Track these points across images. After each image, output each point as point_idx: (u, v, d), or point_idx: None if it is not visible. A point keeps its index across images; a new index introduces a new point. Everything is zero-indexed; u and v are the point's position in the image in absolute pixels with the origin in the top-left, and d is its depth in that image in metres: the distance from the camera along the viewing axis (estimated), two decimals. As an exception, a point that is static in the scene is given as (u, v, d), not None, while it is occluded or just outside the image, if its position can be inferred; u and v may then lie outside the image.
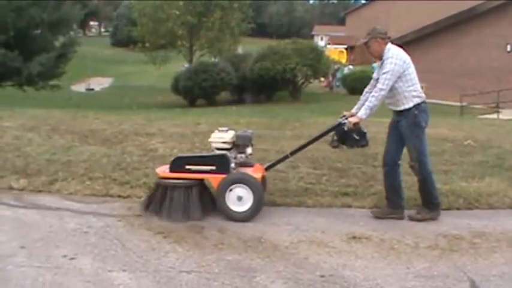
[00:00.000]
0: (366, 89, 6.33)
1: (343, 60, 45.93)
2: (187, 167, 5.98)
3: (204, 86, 29.03)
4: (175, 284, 4.35)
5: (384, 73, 5.83)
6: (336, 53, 48.91)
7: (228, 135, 6.21)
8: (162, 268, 4.64)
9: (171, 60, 43.59)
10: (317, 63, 28.74)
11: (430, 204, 6.12)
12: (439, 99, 26.11)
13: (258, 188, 5.93)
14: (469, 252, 5.12)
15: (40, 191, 7.00)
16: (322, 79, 35.66)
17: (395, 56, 5.84)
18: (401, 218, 6.09)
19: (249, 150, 6.37)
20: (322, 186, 7.14)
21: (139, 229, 5.56)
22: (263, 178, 6.43)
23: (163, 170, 6.12)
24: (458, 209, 6.54)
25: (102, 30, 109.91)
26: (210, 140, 6.29)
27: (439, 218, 6.10)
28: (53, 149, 8.74)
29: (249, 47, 42.06)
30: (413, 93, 5.89)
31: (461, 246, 5.28)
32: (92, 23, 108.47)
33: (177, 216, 5.87)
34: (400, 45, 6.07)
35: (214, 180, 6.00)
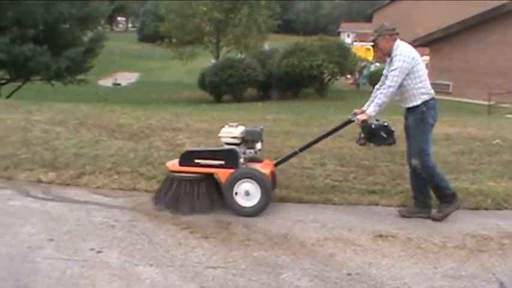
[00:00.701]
0: (377, 86, 6.30)
1: (370, 58, 45.54)
2: (197, 161, 6.02)
3: (231, 82, 29.02)
4: (202, 279, 4.35)
5: (392, 70, 5.80)
6: (362, 50, 48.49)
7: (238, 130, 6.22)
8: (188, 263, 4.65)
9: (198, 56, 43.62)
10: (344, 60, 28.56)
11: (445, 197, 6.03)
12: (467, 98, 25.86)
13: (266, 184, 5.94)
14: (498, 253, 5.06)
15: (68, 185, 7.06)
16: (349, 76, 35.48)
17: (403, 53, 5.80)
18: (429, 217, 6.03)
19: (258, 145, 6.38)
20: (349, 183, 7.11)
21: (166, 224, 5.58)
22: (272, 174, 6.44)
23: (173, 164, 6.17)
24: (486, 209, 6.46)
25: (129, 25, 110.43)
26: (219, 134, 6.31)
27: (467, 218, 6.04)
28: (80, 143, 8.81)
29: (276, 44, 41.97)
30: (421, 90, 5.84)
31: (489, 246, 5.22)
32: (119, 18, 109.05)
33: (184, 209, 5.94)
34: (414, 44, 6.02)
35: (222, 174, 6.03)
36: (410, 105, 5.90)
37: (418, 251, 5.07)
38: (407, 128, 6.09)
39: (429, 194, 6.12)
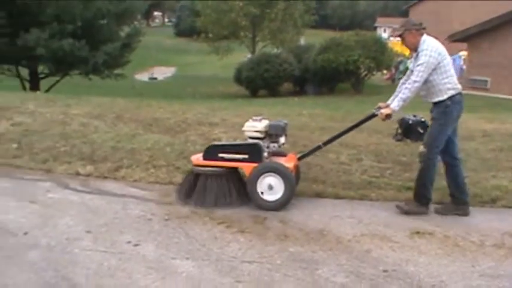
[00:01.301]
0: (402, 80, 6.23)
1: (406, 53, 45.13)
2: (221, 155, 6.05)
3: (267, 77, 29.00)
4: (237, 273, 4.37)
5: (418, 65, 5.74)
6: (398, 45, 47.92)
7: (261, 125, 6.23)
8: (224, 257, 4.67)
9: (234, 50, 43.68)
10: (380, 56, 28.34)
11: (421, 197, 6.01)
12: (505, 94, 25.42)
13: (290, 178, 5.93)
14: (537, 253, 4.98)
15: (105, 178, 7.15)
16: (385, 71, 35.20)
17: (430, 48, 5.73)
18: (466, 215, 5.96)
19: (282, 139, 6.37)
20: (385, 179, 7.06)
21: (202, 218, 5.61)
22: (296, 168, 6.43)
23: (197, 158, 6.21)
24: (525, 207, 6.37)
25: (166, 20, 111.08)
26: (243, 129, 6.32)
27: (505, 216, 5.96)
28: (118, 137, 8.89)
29: (312, 39, 41.86)
30: (447, 85, 5.78)
31: (529, 246, 5.14)
32: (155, 13, 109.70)
33: (208, 203, 5.98)
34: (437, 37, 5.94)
35: (246, 168, 6.03)
36: (436, 100, 5.84)
37: (456, 249, 5.01)
38: (431, 121, 6.05)
39: (466, 191, 6.05)
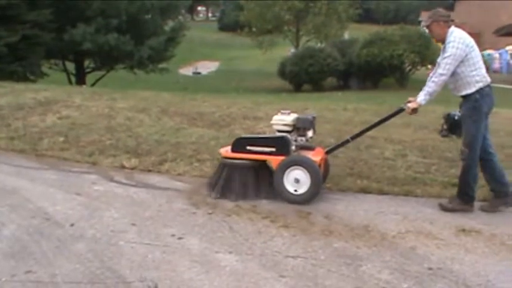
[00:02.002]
0: (431, 74, 6.10)
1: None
2: (249, 147, 6.06)
3: (311, 71, 28.95)
4: (281, 268, 4.35)
5: (445, 57, 5.62)
6: (444, 39, 47.44)
7: (289, 118, 6.22)
8: (268, 252, 4.65)
9: (277, 45, 43.65)
10: (425, 50, 27.99)
11: (465, 196, 5.86)
12: None
13: (316, 171, 5.90)
14: None
15: (150, 171, 7.20)
16: (430, 66, 34.79)
17: (457, 40, 5.60)
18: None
19: (309, 133, 6.35)
20: (431, 175, 6.97)
21: (246, 212, 5.60)
22: (324, 161, 6.40)
23: (226, 150, 6.23)
24: None
25: (210, 15, 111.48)
26: (271, 122, 6.33)
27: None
28: (162, 130, 8.96)
29: (356, 33, 41.58)
30: (476, 78, 5.63)
31: None
32: (199, 8, 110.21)
33: (231, 195, 6.04)
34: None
35: (273, 161, 6.04)
36: (464, 93, 5.72)
37: (503, 247, 4.89)
38: (462, 117, 5.92)
39: (506, 182, 5.92)
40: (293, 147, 6.12)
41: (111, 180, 6.80)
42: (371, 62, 27.63)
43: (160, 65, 29.00)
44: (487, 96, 5.68)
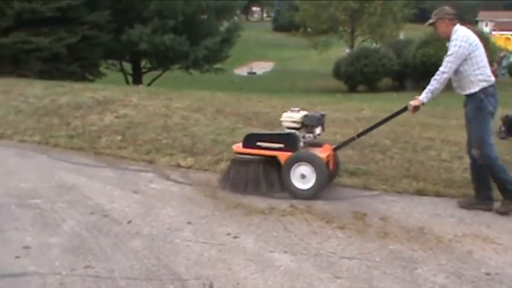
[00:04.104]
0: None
1: (510, 47, 43.53)
2: (259, 143, 6.20)
3: (365, 72, 28.79)
4: (336, 269, 4.33)
5: (447, 55, 5.59)
6: (502, 39, 46.57)
7: (298, 115, 6.32)
8: (323, 252, 4.64)
9: (332, 45, 43.48)
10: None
11: (507, 192, 5.70)
12: None
13: (322, 167, 5.99)
14: None
15: (205, 170, 7.24)
16: (488, 66, 34.12)
17: (460, 38, 5.55)
18: (490, 210, 5.75)
19: (317, 130, 6.43)
20: (488, 178, 6.82)
21: (301, 213, 5.59)
22: (332, 158, 6.43)
23: (238, 146, 6.39)
24: None
25: (264, 15, 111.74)
26: (281, 119, 6.43)
27: None
28: (218, 130, 9.02)
29: (411, 33, 41.03)
30: (479, 77, 5.56)
31: None
32: (254, 8, 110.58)
33: (242, 189, 6.20)
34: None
35: (282, 157, 6.13)
36: (468, 92, 5.66)
37: None
38: (466, 117, 5.83)
39: (490, 186, 5.80)
40: (301, 144, 6.26)
41: (168, 178, 6.87)
42: (426, 63, 27.24)
43: (216, 65, 29.23)
44: (491, 96, 5.62)
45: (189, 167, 7.35)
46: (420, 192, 6.35)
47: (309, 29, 42.70)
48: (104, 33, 24.09)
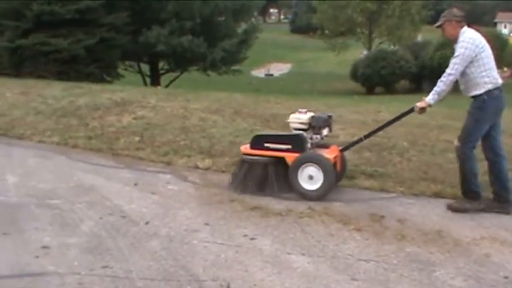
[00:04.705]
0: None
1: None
2: (266, 144, 6.25)
3: (383, 74, 28.79)
4: (353, 271, 4.33)
5: (454, 57, 5.59)
6: (520, 42, 46.25)
7: (305, 117, 6.35)
8: (340, 255, 4.64)
9: (350, 47, 43.41)
10: (500, 52, 27.37)
11: (470, 192, 5.75)
12: None
13: (329, 168, 6.01)
14: None
15: (223, 172, 7.24)
16: (505, 69, 33.96)
17: (467, 40, 5.55)
18: (508, 213, 5.72)
19: (324, 131, 6.45)
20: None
21: (319, 215, 5.58)
22: (338, 159, 6.43)
23: (245, 147, 6.45)
24: None
25: (282, 17, 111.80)
26: (288, 120, 6.48)
27: None
28: (236, 132, 9.04)
29: (429, 35, 40.83)
30: (485, 79, 5.55)
31: None
32: (271, 10, 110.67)
33: (251, 190, 6.25)
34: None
35: (289, 158, 6.15)
36: (473, 94, 5.65)
37: None
38: (467, 113, 5.84)
39: (509, 187, 5.78)
40: (308, 145, 6.29)
41: (185, 180, 6.89)
42: (444, 65, 27.02)
43: (233, 67, 29.29)
44: (495, 99, 5.62)
45: (206, 169, 7.37)
46: (438, 195, 6.32)
47: (327, 31, 42.68)
48: (122, 35, 24.21)
